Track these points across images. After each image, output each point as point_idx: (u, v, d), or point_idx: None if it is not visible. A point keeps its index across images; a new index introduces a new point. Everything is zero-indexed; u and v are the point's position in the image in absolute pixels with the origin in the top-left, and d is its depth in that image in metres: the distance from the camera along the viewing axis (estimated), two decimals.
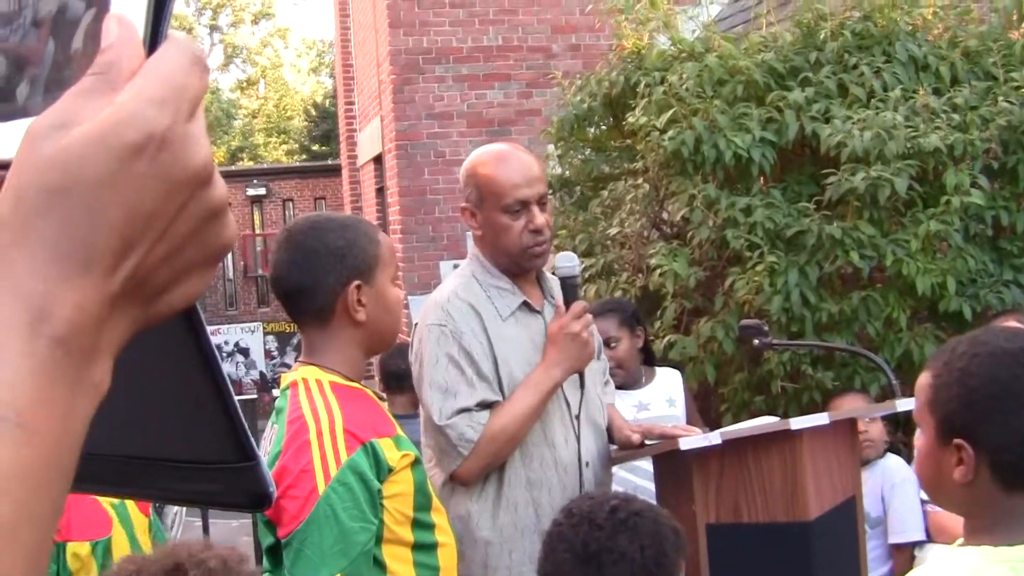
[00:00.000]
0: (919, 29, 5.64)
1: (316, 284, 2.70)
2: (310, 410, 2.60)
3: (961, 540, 2.10)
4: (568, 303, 3.36)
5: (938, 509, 4.51)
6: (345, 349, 2.74)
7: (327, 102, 34.72)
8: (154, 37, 0.68)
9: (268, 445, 2.64)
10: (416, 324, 3.37)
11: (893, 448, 5.01)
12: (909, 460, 4.80)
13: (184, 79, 0.66)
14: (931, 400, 2.05)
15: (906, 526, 4.70)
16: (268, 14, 44.67)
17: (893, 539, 4.73)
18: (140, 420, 0.81)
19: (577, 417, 3.42)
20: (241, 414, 0.80)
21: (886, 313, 5.03)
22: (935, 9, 5.70)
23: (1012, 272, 5.18)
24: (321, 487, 2.49)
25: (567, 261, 3.45)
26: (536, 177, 3.37)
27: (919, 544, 4.66)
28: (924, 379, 2.10)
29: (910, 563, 4.63)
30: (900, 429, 5.10)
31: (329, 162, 25.36)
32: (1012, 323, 4.36)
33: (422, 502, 2.68)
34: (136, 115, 0.63)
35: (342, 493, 2.49)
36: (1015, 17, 5.76)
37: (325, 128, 32.62)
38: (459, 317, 3.25)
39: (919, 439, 2.12)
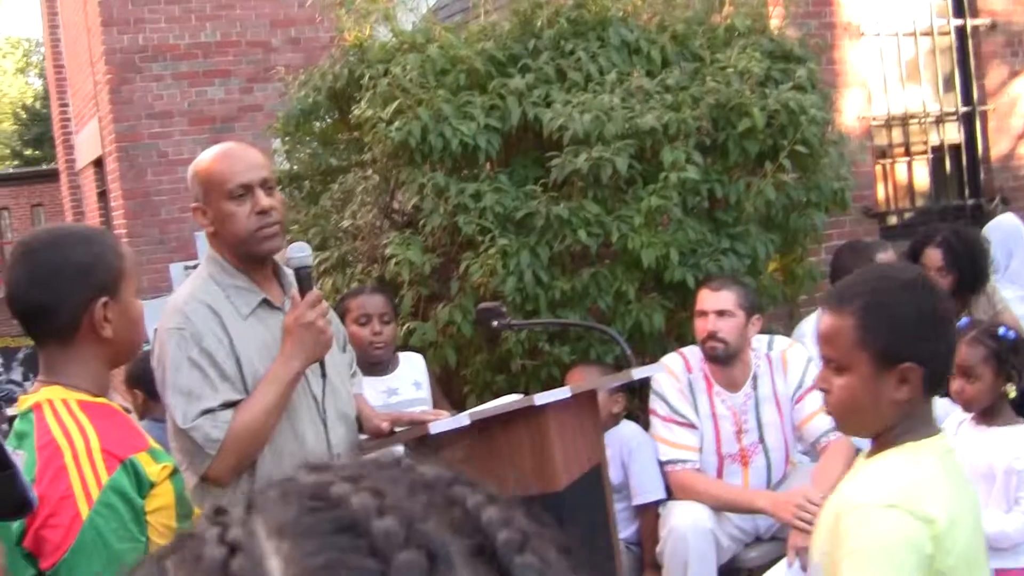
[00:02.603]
0: (630, 15, 5.83)
1: (60, 302, 2.59)
2: (62, 433, 2.50)
3: (865, 453, 2.43)
4: (303, 292, 3.39)
5: (678, 468, 4.75)
6: (90, 365, 2.65)
7: (38, 103, 33.40)
8: None
9: None
10: (156, 329, 3.34)
11: (630, 416, 5.23)
12: (645, 427, 5.02)
13: None
14: (862, 338, 2.32)
15: (647, 487, 4.92)
16: None
17: (637, 500, 4.94)
18: None
19: (325, 410, 3.46)
20: None
21: (615, 287, 5.21)
22: None
23: (729, 240, 5.44)
24: (84, 512, 2.40)
25: (299, 251, 3.47)
26: (257, 164, 3.39)
27: (662, 502, 4.88)
28: (841, 322, 2.35)
29: (655, 520, 4.85)
30: (636, 396, 5.31)
31: (45, 167, 24.42)
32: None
33: (183, 512, 2.63)
34: None
35: (107, 515, 2.42)
36: (717, 3, 6.04)
37: (37, 131, 31.39)
38: (198, 319, 3.23)
39: (842, 379, 2.38)
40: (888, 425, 2.36)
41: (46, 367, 2.69)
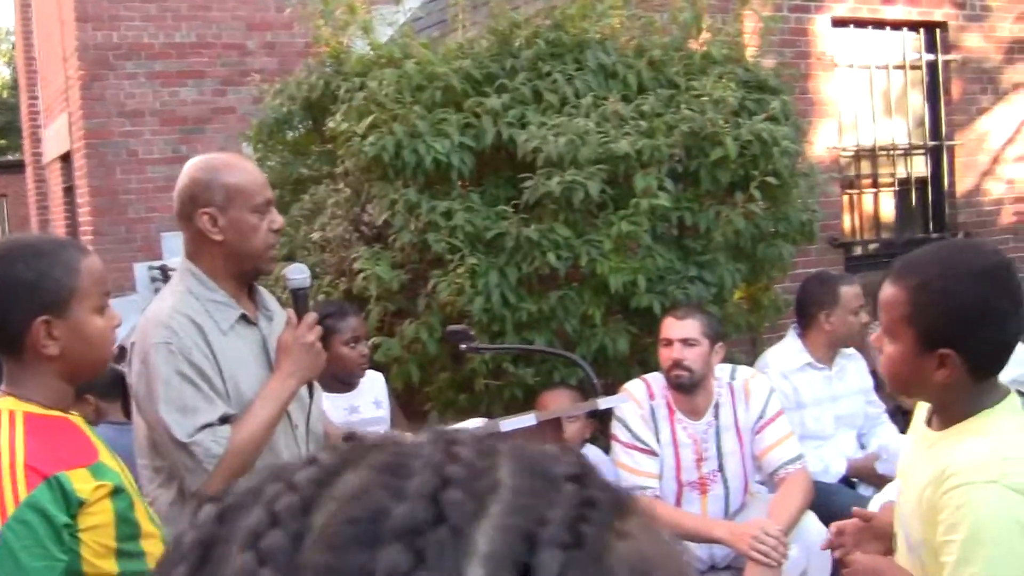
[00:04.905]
0: (608, 38, 5.84)
1: (3, 317, 2.56)
2: None
3: (941, 434, 2.42)
4: (300, 313, 3.38)
5: (648, 493, 4.78)
6: (42, 380, 2.61)
7: (5, 93, 33.16)
8: None
9: None
10: (133, 343, 3.30)
11: (591, 439, 5.24)
12: (606, 450, 5.04)
13: None
14: (910, 314, 2.34)
15: None
16: None
17: None
18: None
19: (298, 426, 3.44)
20: None
21: (582, 310, 5.22)
22: (622, 19, 5.94)
23: (696, 269, 5.46)
24: None
25: (298, 273, 3.46)
26: (267, 182, 3.44)
27: None
28: (897, 294, 2.37)
29: None
30: (598, 419, 5.32)
31: (11, 158, 24.24)
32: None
33: (127, 532, 2.57)
34: None
35: (20, 531, 2.39)
36: (695, 29, 6.07)
37: (3, 120, 31.13)
38: (184, 333, 3.19)
39: (890, 347, 2.41)
40: (938, 400, 2.42)
41: (5, 376, 2.66)
